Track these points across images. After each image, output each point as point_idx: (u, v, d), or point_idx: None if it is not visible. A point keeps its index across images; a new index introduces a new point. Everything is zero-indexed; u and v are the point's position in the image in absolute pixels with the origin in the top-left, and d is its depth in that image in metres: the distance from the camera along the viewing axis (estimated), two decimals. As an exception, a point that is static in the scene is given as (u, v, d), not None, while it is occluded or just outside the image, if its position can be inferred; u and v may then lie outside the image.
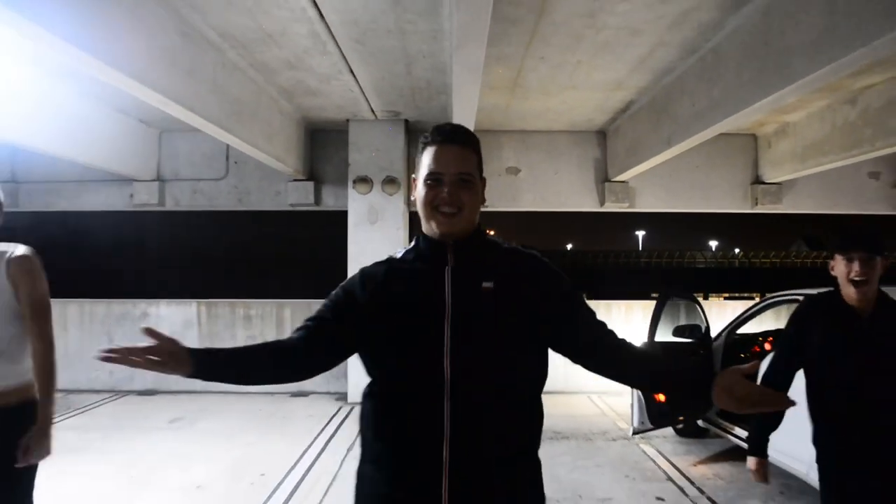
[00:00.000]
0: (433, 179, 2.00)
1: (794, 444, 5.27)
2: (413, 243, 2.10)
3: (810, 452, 4.99)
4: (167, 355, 1.87)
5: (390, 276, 2.05)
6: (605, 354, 2.08)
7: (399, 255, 2.11)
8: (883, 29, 4.03)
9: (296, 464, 6.65)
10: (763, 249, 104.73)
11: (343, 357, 2.12)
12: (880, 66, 7.03)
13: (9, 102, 6.40)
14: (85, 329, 10.56)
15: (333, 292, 2.14)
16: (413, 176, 2.11)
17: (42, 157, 8.73)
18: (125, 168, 9.86)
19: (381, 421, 1.99)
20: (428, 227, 2.03)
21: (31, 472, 3.07)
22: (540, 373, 2.05)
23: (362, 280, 2.09)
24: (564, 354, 2.08)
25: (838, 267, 3.01)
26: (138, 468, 6.46)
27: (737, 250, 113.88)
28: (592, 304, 10.88)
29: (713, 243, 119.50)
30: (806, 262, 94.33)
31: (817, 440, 3.20)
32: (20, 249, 3.10)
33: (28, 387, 3.05)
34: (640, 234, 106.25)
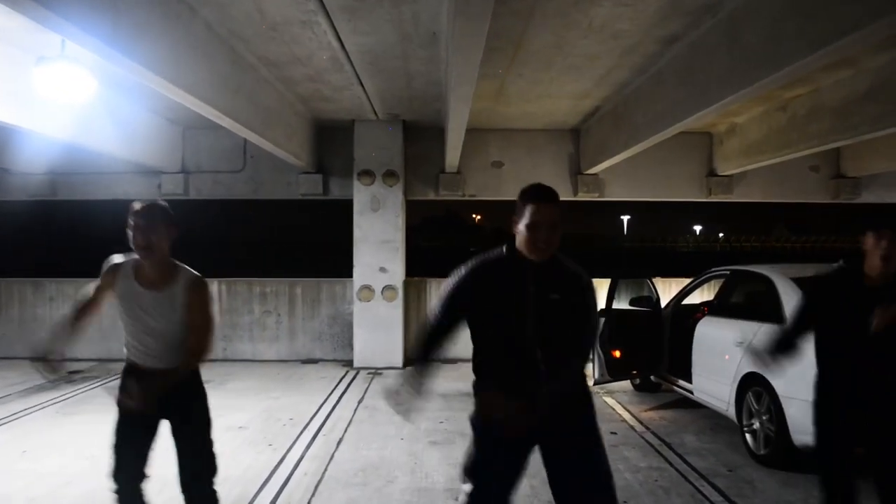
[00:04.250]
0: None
1: (718, 388, 6.74)
2: None
3: (730, 394, 6.48)
4: None
5: None
6: None
7: None
8: (766, 72, 5.39)
9: (317, 412, 7.94)
10: (745, 234, 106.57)
11: None
12: (804, 80, 8.24)
13: (77, 110, 7.54)
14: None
15: None
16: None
17: (78, 151, 9.56)
18: (155, 161, 10.90)
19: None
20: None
21: (206, 412, 3.75)
22: None
23: None
24: None
25: (868, 242, 3.64)
26: (186, 415, 7.78)
27: (720, 234, 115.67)
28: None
29: (697, 227, 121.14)
30: (786, 246, 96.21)
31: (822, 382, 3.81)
32: (195, 274, 3.62)
33: (177, 366, 3.58)
34: (625, 218, 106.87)
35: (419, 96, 9.21)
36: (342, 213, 11.69)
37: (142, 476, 3.67)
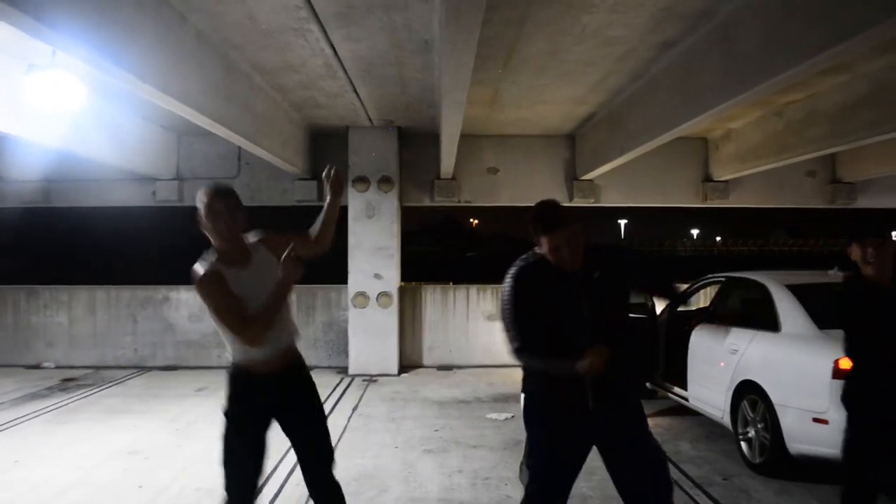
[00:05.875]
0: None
1: (713, 396, 6.71)
2: None
3: (725, 402, 6.43)
4: None
5: None
6: None
7: None
8: (761, 77, 5.37)
9: (311, 419, 7.92)
10: (742, 238, 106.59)
11: None
12: (800, 86, 8.21)
13: (69, 118, 7.48)
14: (112, 312, 11.69)
15: None
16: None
17: (71, 158, 9.46)
18: (150, 169, 10.83)
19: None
20: None
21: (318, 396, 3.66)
22: None
23: None
24: None
25: (854, 253, 3.74)
26: (179, 424, 7.67)
27: (717, 238, 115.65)
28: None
29: (694, 231, 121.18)
30: (784, 250, 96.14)
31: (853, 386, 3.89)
32: (261, 233, 3.58)
33: (294, 346, 3.59)
34: (623, 222, 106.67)
35: (414, 102, 9.17)
36: (338, 220, 11.63)
37: (256, 488, 3.55)
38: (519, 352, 3.23)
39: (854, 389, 3.89)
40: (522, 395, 3.44)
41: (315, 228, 3.68)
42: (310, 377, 3.67)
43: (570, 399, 3.18)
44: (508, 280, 3.27)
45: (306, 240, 3.64)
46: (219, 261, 3.39)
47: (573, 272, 3.17)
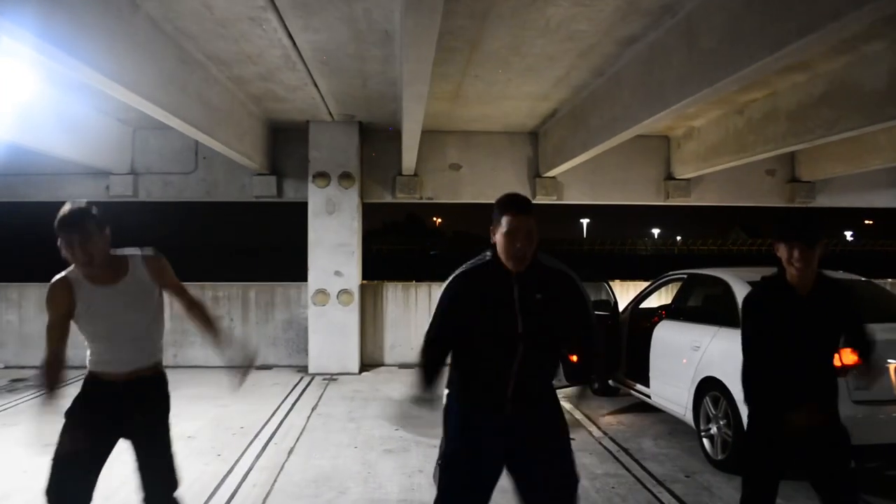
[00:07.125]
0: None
1: (675, 392, 6.69)
2: None
3: (687, 399, 6.41)
4: None
5: None
6: None
7: None
8: (724, 73, 5.34)
9: (269, 420, 7.72)
10: (702, 237, 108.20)
11: None
12: (760, 84, 8.27)
13: (18, 108, 7.23)
14: (64, 310, 11.35)
15: None
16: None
17: (20, 151, 9.15)
18: (103, 162, 10.53)
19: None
20: None
21: (168, 423, 3.55)
22: None
23: None
24: None
25: (780, 250, 3.40)
26: (132, 424, 7.50)
27: (678, 238, 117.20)
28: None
29: (655, 231, 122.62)
30: (742, 249, 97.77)
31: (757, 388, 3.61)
32: (148, 251, 3.52)
33: (158, 363, 3.52)
34: (585, 221, 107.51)
35: (375, 97, 9.02)
36: (298, 216, 11.48)
37: (85, 499, 3.35)
38: (430, 343, 3.26)
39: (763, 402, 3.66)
40: (446, 392, 3.31)
41: (196, 313, 3.63)
42: (165, 400, 3.57)
43: (488, 398, 3.14)
44: (450, 281, 3.23)
45: (185, 296, 3.61)
46: (83, 275, 3.33)
47: (515, 279, 3.06)
